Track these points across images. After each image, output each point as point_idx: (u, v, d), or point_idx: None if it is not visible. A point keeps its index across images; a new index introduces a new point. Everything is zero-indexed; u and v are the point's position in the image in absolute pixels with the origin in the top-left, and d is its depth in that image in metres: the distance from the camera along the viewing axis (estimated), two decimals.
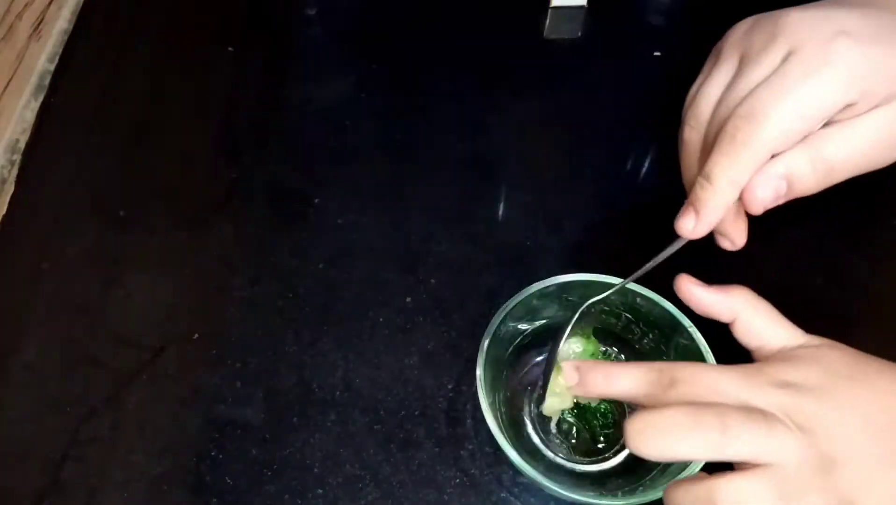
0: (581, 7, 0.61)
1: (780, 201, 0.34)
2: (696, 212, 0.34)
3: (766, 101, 0.32)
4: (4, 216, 0.50)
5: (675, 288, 0.34)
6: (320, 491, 0.40)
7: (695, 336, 0.37)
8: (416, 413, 0.42)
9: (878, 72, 0.32)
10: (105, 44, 0.60)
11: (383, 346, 0.45)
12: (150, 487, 0.40)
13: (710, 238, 0.36)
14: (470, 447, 0.41)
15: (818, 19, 0.33)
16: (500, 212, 0.51)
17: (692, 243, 0.35)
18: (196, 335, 0.45)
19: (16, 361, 0.44)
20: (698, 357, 0.37)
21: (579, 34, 0.61)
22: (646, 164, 0.53)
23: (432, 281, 0.47)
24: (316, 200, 0.51)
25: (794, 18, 0.33)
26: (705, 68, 0.38)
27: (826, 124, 0.33)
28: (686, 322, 0.37)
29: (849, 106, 0.32)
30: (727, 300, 0.33)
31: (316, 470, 0.41)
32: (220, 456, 0.41)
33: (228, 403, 0.43)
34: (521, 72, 0.59)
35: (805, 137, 0.33)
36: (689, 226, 0.34)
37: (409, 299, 0.47)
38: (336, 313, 0.46)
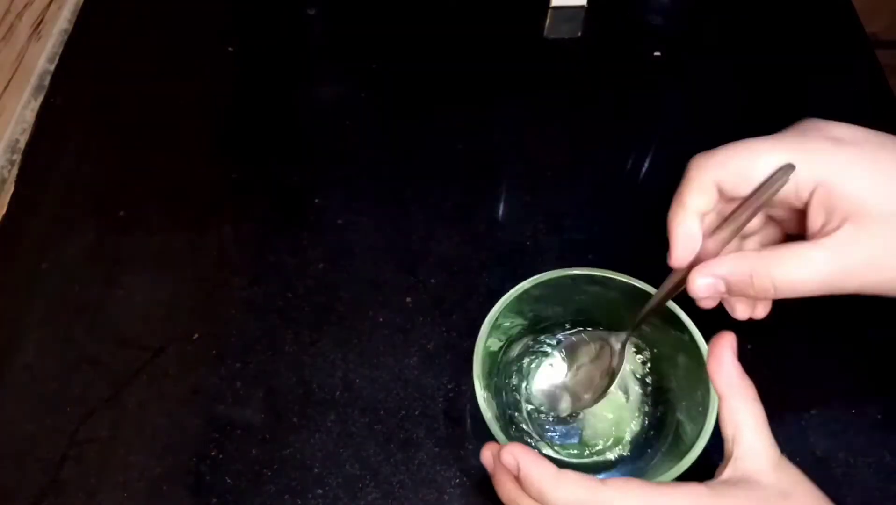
0: (581, 7, 0.61)
1: (724, 299, 0.35)
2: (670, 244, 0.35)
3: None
4: (4, 216, 0.50)
5: (716, 339, 0.34)
6: (320, 491, 0.40)
7: (695, 336, 0.37)
8: (416, 413, 0.42)
9: (839, 185, 0.31)
10: (105, 44, 0.60)
11: (383, 346, 0.45)
12: (150, 487, 0.40)
13: None
14: (470, 447, 0.41)
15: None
16: (500, 212, 0.51)
17: None
18: (196, 335, 0.45)
19: (16, 361, 0.44)
20: (695, 350, 0.37)
21: (579, 34, 0.61)
22: (646, 164, 0.54)
23: (432, 281, 0.47)
24: (316, 200, 0.51)
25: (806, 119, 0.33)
26: None
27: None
28: (686, 319, 0.37)
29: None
30: (735, 378, 0.33)
31: (316, 470, 0.41)
32: (220, 456, 0.41)
33: (228, 403, 0.43)
34: (521, 72, 0.59)
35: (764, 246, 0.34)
36: (670, 258, 0.35)
37: (409, 299, 0.47)
38: (336, 313, 0.46)
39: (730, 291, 0.33)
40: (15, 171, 0.53)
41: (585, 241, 0.49)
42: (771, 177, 0.31)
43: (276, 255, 0.48)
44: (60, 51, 0.59)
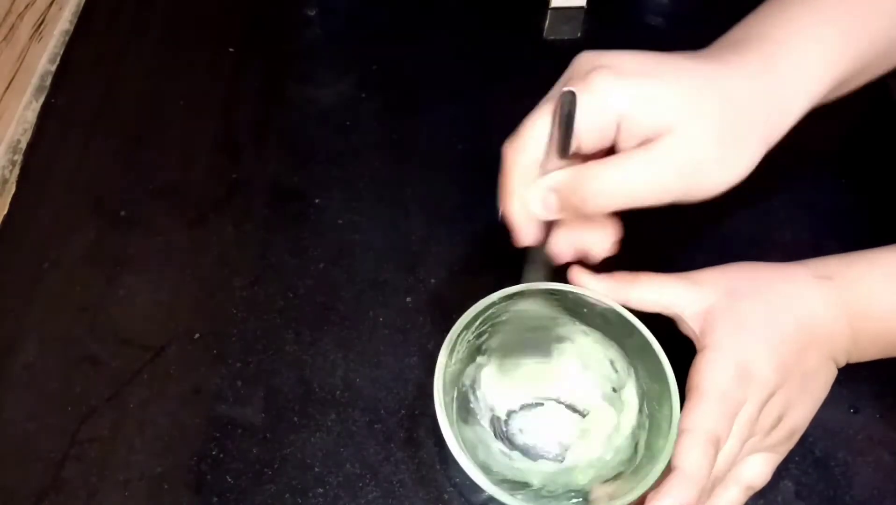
0: (581, 7, 0.62)
1: (560, 215, 0.35)
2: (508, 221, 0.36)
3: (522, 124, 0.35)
4: (5, 216, 0.50)
5: (569, 277, 0.36)
6: (321, 490, 0.40)
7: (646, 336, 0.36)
8: (416, 412, 0.42)
9: (640, 106, 0.31)
10: (106, 44, 0.60)
11: (383, 346, 0.45)
12: (151, 486, 0.40)
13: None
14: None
15: (595, 56, 0.33)
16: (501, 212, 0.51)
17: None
18: (196, 335, 0.45)
19: (16, 361, 0.44)
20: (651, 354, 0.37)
21: (579, 34, 0.61)
22: None
23: (432, 281, 0.47)
24: (316, 200, 0.51)
25: (582, 54, 0.34)
26: None
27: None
28: (635, 322, 0.37)
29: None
30: (613, 285, 0.36)
31: (316, 469, 0.41)
32: (221, 455, 0.41)
33: (229, 402, 0.43)
34: (521, 72, 0.59)
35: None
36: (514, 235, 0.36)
37: (409, 299, 0.47)
38: (336, 313, 0.46)
39: (561, 206, 0.34)
40: (16, 171, 0.53)
41: None
42: (559, 111, 0.33)
43: (276, 255, 0.49)
44: (61, 51, 0.59)
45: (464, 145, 0.54)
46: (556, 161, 0.34)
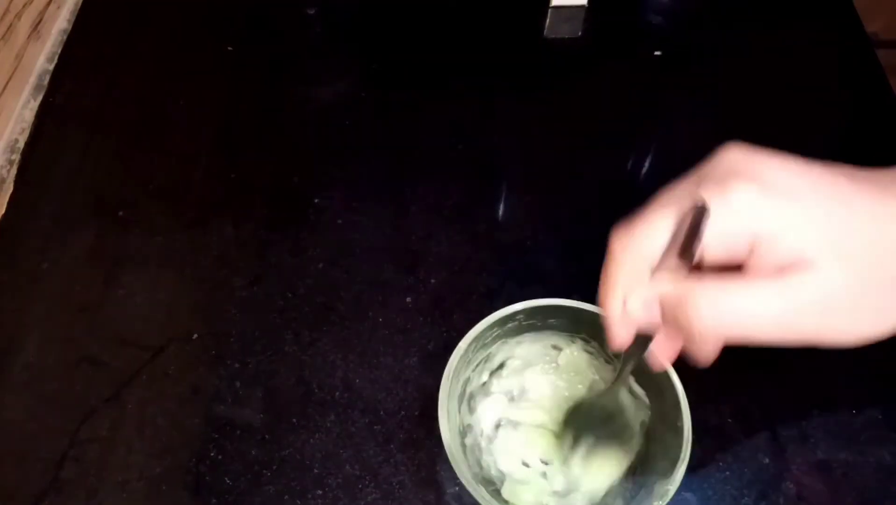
0: (581, 7, 0.61)
1: (663, 329, 0.32)
2: (605, 318, 0.32)
3: (637, 220, 0.31)
4: (4, 216, 0.50)
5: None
6: (320, 492, 0.40)
7: None
8: (416, 413, 0.42)
9: (782, 233, 0.28)
10: (104, 44, 0.60)
11: (383, 346, 0.45)
12: (150, 487, 0.40)
13: None
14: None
15: (740, 158, 0.29)
16: (500, 212, 0.51)
17: None
18: (196, 335, 0.45)
19: (16, 361, 0.44)
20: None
21: (579, 34, 0.61)
22: (646, 165, 0.53)
23: (432, 281, 0.47)
24: (316, 200, 0.51)
25: (723, 151, 0.30)
26: None
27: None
28: None
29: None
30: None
31: (316, 470, 0.41)
32: (220, 456, 0.41)
33: (228, 403, 0.43)
34: (521, 72, 0.59)
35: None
36: (608, 333, 0.33)
37: (409, 299, 0.46)
38: (336, 313, 0.46)
39: (667, 318, 0.30)
40: (14, 171, 0.53)
41: (585, 242, 0.49)
42: (688, 220, 0.29)
43: (276, 255, 0.48)
44: (59, 50, 0.59)
45: (464, 145, 0.54)
46: (670, 265, 0.30)
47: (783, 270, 0.28)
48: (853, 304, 0.28)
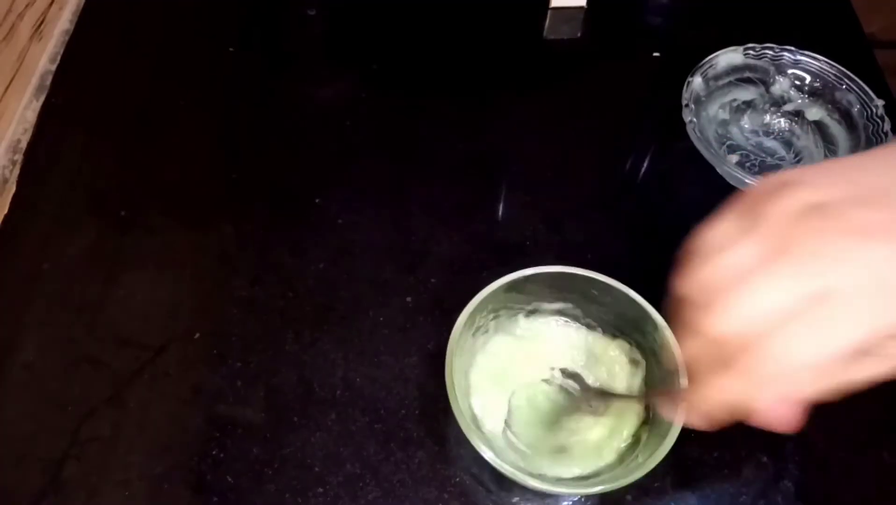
0: (581, 8, 0.62)
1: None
2: (700, 416, 0.31)
3: (796, 350, 0.27)
4: (6, 216, 0.50)
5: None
6: (321, 490, 0.40)
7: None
8: (417, 412, 0.42)
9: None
10: (106, 44, 0.60)
11: (383, 345, 0.45)
12: (151, 486, 0.40)
13: None
14: (470, 446, 0.41)
15: (863, 262, 0.27)
16: (500, 212, 0.51)
17: None
18: (197, 335, 0.45)
19: (16, 361, 0.44)
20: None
21: (579, 34, 0.61)
22: (645, 165, 0.54)
23: (432, 281, 0.47)
24: (316, 200, 0.51)
25: (838, 249, 0.27)
26: (725, 227, 0.30)
27: None
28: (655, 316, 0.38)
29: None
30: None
31: (316, 469, 0.41)
32: (221, 455, 0.41)
33: (229, 402, 0.43)
34: (521, 72, 0.59)
35: None
36: (694, 422, 0.32)
37: (409, 299, 0.47)
38: (336, 313, 0.46)
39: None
40: (16, 171, 0.53)
41: (585, 242, 0.49)
42: None
43: (276, 255, 0.49)
44: (62, 51, 0.59)
45: (464, 145, 0.54)
46: None
47: None
48: None
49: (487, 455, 0.35)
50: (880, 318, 0.27)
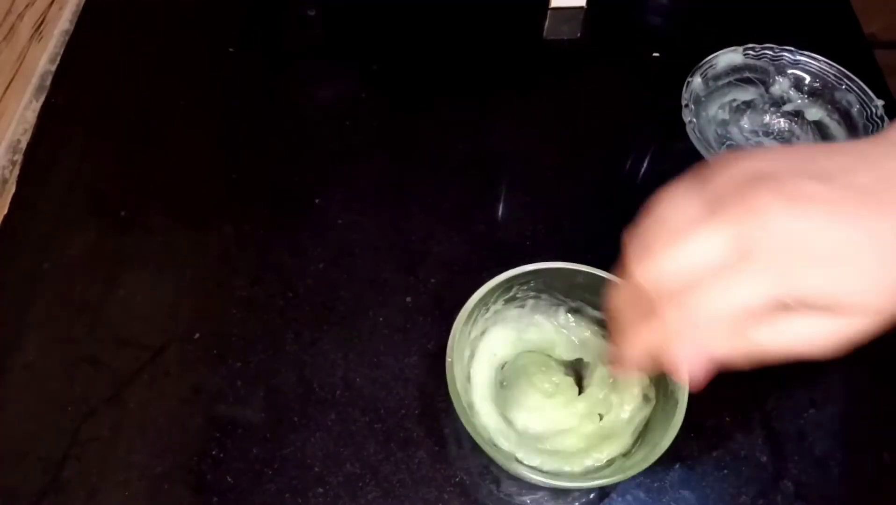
0: (580, 8, 0.62)
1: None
2: (623, 363, 0.32)
3: (706, 303, 0.28)
4: (5, 216, 0.50)
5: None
6: (321, 490, 0.40)
7: None
8: (417, 412, 0.42)
9: (831, 294, 0.28)
10: (106, 45, 0.60)
11: (383, 345, 0.45)
12: (151, 486, 0.40)
13: None
14: (470, 446, 0.41)
15: (789, 232, 0.28)
16: (500, 212, 0.51)
17: None
18: (197, 335, 0.45)
19: (16, 361, 0.44)
20: None
21: (579, 34, 0.61)
22: (645, 165, 0.54)
23: (432, 281, 0.47)
24: (316, 200, 0.51)
25: (768, 219, 0.28)
26: (680, 198, 0.31)
27: None
28: None
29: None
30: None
31: (316, 469, 0.41)
32: (221, 455, 0.41)
33: (229, 402, 0.43)
34: (521, 72, 0.59)
35: None
36: (618, 371, 0.34)
37: (409, 299, 0.47)
38: (336, 313, 0.46)
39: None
40: (16, 171, 0.53)
41: (585, 242, 0.49)
42: None
43: (276, 255, 0.49)
44: (61, 51, 0.59)
45: (464, 145, 0.54)
46: None
47: (821, 308, 0.28)
48: (868, 330, 0.29)
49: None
50: (786, 283, 0.28)
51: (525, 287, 0.41)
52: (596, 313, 0.42)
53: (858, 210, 0.28)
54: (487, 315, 0.42)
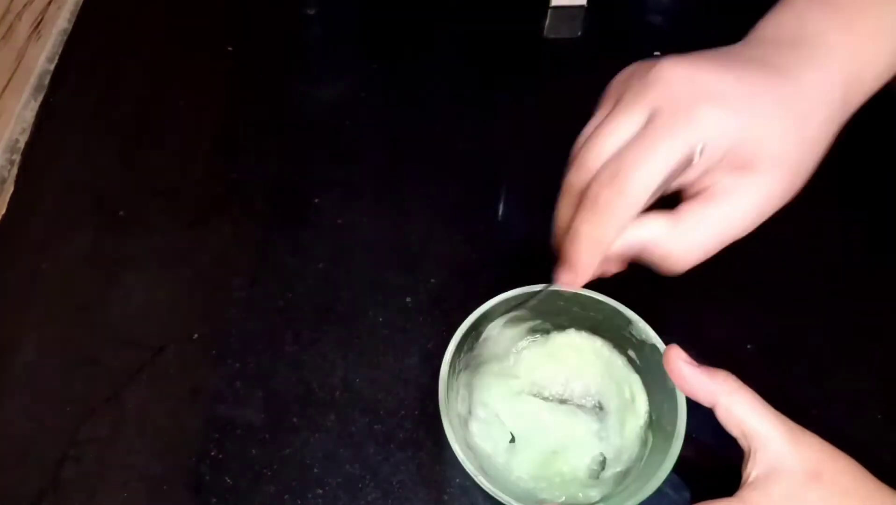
0: (581, 7, 0.61)
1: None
2: (572, 266, 0.34)
3: (626, 166, 0.31)
4: (4, 216, 0.50)
5: (664, 357, 0.33)
6: (320, 491, 0.40)
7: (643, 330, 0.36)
8: (416, 413, 0.42)
9: (741, 143, 0.31)
10: (104, 44, 0.60)
11: (383, 346, 0.45)
12: (150, 487, 0.40)
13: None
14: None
15: (686, 80, 0.31)
16: (500, 212, 0.51)
17: None
18: (196, 335, 0.45)
19: (16, 361, 0.44)
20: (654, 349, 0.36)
21: (579, 34, 0.61)
22: None
23: (432, 281, 0.47)
24: (316, 200, 0.51)
25: (664, 75, 0.32)
26: (597, 113, 0.36)
27: (689, 194, 0.33)
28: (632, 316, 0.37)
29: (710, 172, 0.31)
30: (709, 384, 0.32)
31: (316, 470, 0.41)
32: (220, 456, 0.41)
33: (228, 402, 0.43)
34: (521, 72, 0.59)
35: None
36: (569, 279, 0.34)
37: (409, 299, 0.47)
38: (335, 314, 0.46)
39: (651, 253, 0.33)
40: (15, 170, 0.53)
41: None
42: (678, 162, 0.31)
43: (276, 255, 0.48)
44: (60, 51, 0.59)
45: (464, 145, 0.54)
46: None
47: (737, 171, 0.31)
48: (784, 197, 0.32)
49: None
50: (698, 130, 0.30)
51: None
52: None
53: (746, 64, 0.32)
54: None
